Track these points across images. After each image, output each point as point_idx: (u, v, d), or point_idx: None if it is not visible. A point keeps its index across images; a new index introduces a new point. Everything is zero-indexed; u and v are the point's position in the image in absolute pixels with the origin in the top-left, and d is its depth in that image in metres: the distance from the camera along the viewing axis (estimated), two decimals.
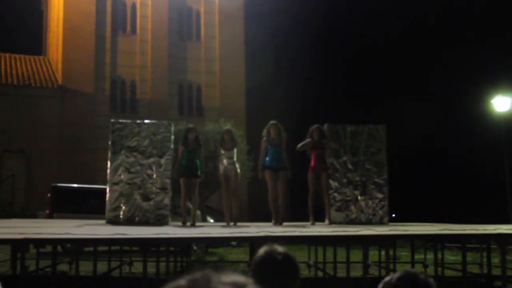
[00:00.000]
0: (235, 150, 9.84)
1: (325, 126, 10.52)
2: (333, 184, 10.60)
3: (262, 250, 2.19)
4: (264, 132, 9.71)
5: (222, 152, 9.71)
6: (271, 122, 9.79)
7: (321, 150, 9.97)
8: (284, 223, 9.75)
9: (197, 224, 10.28)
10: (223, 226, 9.61)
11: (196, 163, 9.79)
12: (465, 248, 10.44)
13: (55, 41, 32.36)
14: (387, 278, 2.09)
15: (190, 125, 10.44)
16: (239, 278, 1.10)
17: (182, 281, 1.08)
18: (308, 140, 9.93)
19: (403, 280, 2.04)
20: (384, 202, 10.73)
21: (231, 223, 9.80)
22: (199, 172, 9.85)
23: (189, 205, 18.22)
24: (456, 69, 45.33)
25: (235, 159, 9.78)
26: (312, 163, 9.94)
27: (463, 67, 43.71)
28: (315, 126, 10.14)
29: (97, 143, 27.73)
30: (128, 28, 32.10)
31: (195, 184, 9.83)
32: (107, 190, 10.38)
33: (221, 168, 9.73)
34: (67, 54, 30.09)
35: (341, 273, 11.45)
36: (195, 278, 1.08)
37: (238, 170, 9.83)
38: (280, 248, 2.19)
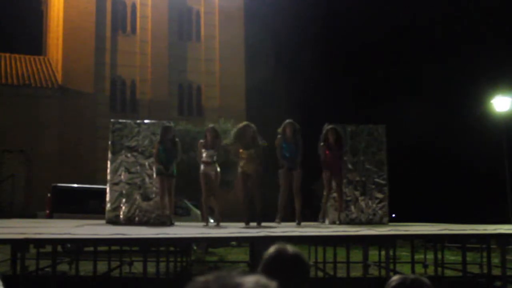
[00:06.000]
0: (215, 151, 9.65)
1: (325, 126, 10.49)
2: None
3: (272, 249, 2.19)
4: (280, 130, 9.69)
5: (203, 151, 9.62)
6: (287, 121, 9.72)
7: (337, 151, 9.94)
8: (283, 223, 9.75)
9: (178, 224, 10.29)
10: (203, 226, 9.58)
11: (171, 162, 9.76)
12: (465, 248, 10.45)
13: (55, 41, 32.36)
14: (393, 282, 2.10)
15: (168, 124, 10.22)
16: (262, 278, 1.17)
17: (209, 277, 1.15)
18: (321, 147, 9.95)
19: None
20: (384, 202, 10.72)
21: (214, 223, 9.84)
22: (174, 172, 9.84)
23: (187, 203, 18.27)
24: (456, 69, 45.36)
25: (215, 159, 9.64)
26: (328, 164, 9.93)
27: (463, 67, 43.75)
28: (330, 127, 10.09)
29: (97, 143, 27.75)
30: (128, 28, 32.10)
31: (170, 183, 9.83)
32: (107, 190, 10.38)
33: (201, 168, 9.66)
34: (67, 54, 30.10)
35: (341, 273, 11.44)
36: (221, 275, 1.15)
37: (218, 169, 9.73)
38: (291, 248, 2.18)
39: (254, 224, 9.39)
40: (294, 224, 9.69)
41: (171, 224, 9.77)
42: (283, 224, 9.70)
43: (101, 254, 11.46)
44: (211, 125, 10.54)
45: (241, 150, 9.39)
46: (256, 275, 1.17)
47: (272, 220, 9.91)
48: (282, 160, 9.60)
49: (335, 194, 10.41)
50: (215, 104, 32.06)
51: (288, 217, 10.38)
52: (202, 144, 9.71)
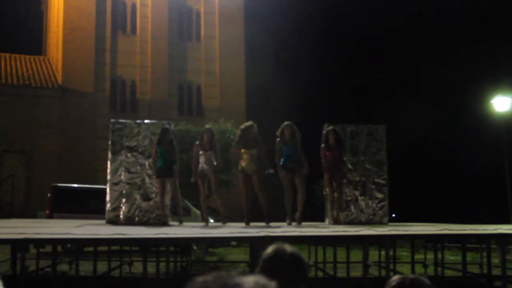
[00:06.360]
0: (213, 151, 9.60)
1: (325, 126, 10.50)
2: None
3: (270, 249, 2.19)
4: (278, 133, 9.65)
5: (201, 152, 9.60)
6: (286, 123, 9.66)
7: (337, 151, 9.93)
8: (283, 223, 9.74)
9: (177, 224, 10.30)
10: (202, 227, 9.57)
11: (171, 163, 9.74)
12: (465, 248, 10.45)
13: (55, 41, 32.36)
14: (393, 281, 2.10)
15: (167, 125, 10.19)
16: (261, 278, 1.18)
17: (208, 277, 1.16)
18: (322, 148, 9.95)
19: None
20: (384, 202, 10.72)
21: (220, 223, 9.84)
22: (174, 172, 9.81)
23: (187, 203, 18.26)
24: (456, 69, 45.34)
25: (213, 159, 9.60)
26: (328, 164, 9.91)
27: (463, 67, 43.73)
28: (330, 128, 10.06)
29: (97, 143, 27.74)
30: (128, 28, 32.10)
31: (173, 183, 9.82)
32: (107, 190, 10.38)
33: (199, 168, 9.61)
34: (67, 54, 30.09)
35: (341, 273, 11.45)
36: (220, 275, 1.16)
37: (215, 171, 9.65)
38: (289, 248, 2.18)
39: (262, 224, 9.38)
40: (303, 224, 9.68)
41: (181, 223, 9.81)
42: (283, 224, 9.70)
43: (101, 254, 11.45)
44: (207, 126, 10.53)
45: (242, 150, 9.38)
46: (255, 275, 1.18)
47: (278, 220, 9.91)
48: (278, 164, 9.55)
49: (335, 194, 10.41)
50: (215, 104, 32.05)
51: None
52: (198, 145, 9.70)
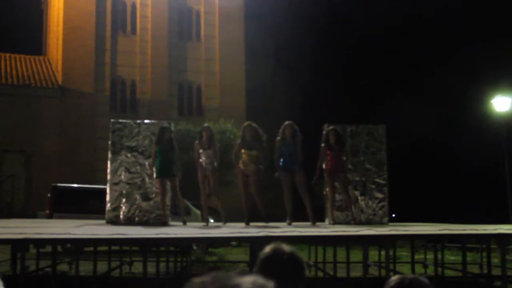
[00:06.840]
0: (212, 150, 9.59)
1: (325, 126, 10.49)
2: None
3: (268, 248, 2.18)
4: (279, 133, 9.61)
5: (201, 151, 9.57)
6: (287, 122, 9.61)
7: (338, 151, 9.91)
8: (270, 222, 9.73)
9: (177, 224, 10.27)
10: (202, 227, 9.55)
11: (170, 162, 9.72)
12: (465, 248, 10.45)
13: (55, 41, 32.36)
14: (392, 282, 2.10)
15: (165, 124, 10.12)
16: (259, 279, 1.18)
17: (206, 278, 1.16)
18: (322, 148, 9.92)
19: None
20: (384, 202, 10.71)
21: (221, 223, 9.82)
22: (174, 172, 9.78)
23: (187, 203, 18.26)
24: (456, 69, 45.35)
25: (212, 158, 9.55)
26: (329, 164, 9.89)
27: (463, 67, 43.72)
28: (331, 128, 10.03)
29: (97, 143, 27.75)
30: (128, 28, 32.10)
31: (174, 183, 9.80)
32: (107, 190, 10.37)
33: (199, 168, 9.56)
34: (67, 54, 30.09)
35: (341, 273, 11.46)
36: (218, 276, 1.16)
37: (215, 170, 9.63)
38: (287, 248, 2.18)
39: (262, 224, 9.36)
40: (302, 224, 9.68)
41: (184, 224, 9.78)
42: (283, 224, 9.69)
43: (101, 254, 11.46)
44: (206, 124, 10.49)
45: (242, 150, 9.37)
46: (253, 275, 1.18)
47: (277, 220, 9.90)
48: (277, 166, 9.52)
49: (335, 194, 10.40)
50: (215, 104, 32.05)
51: (297, 219, 10.33)
52: (198, 144, 9.67)
